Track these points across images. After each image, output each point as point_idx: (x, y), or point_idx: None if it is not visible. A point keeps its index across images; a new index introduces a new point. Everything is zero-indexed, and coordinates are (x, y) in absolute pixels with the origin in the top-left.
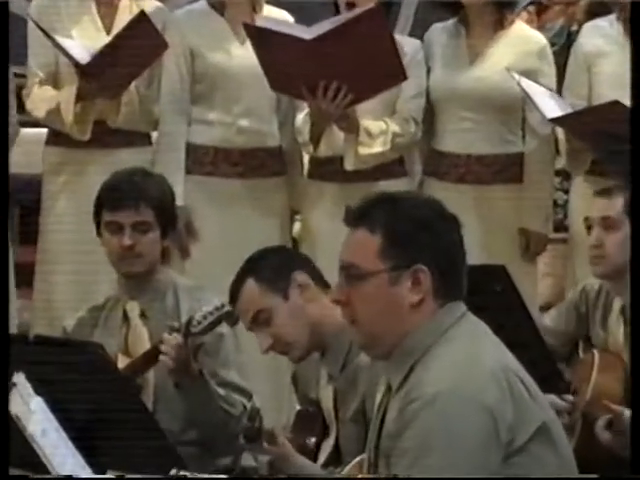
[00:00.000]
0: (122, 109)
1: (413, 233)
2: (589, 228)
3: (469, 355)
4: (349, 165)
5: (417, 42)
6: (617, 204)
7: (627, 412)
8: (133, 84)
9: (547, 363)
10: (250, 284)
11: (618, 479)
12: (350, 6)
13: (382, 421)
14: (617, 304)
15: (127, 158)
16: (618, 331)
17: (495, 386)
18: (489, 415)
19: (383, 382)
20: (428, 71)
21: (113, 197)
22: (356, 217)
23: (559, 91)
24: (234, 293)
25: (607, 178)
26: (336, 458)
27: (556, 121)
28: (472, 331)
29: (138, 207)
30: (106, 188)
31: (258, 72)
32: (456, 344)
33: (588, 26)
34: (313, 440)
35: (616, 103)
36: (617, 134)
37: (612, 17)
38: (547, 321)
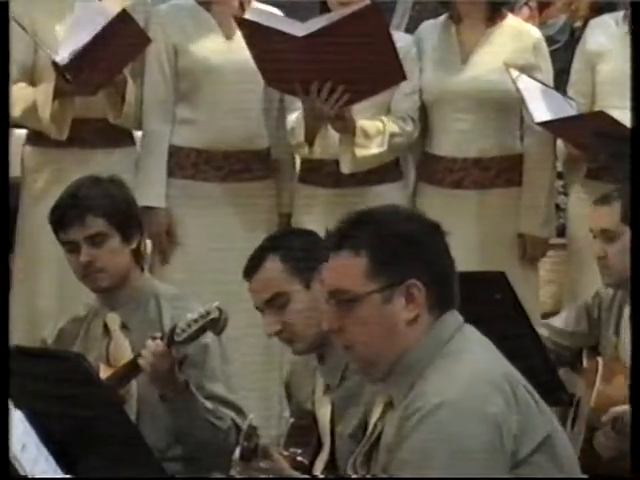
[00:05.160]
0: (125, 108)
1: (399, 249)
2: (595, 237)
3: (471, 366)
4: (346, 168)
5: (410, 38)
6: (615, 214)
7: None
8: (130, 80)
9: (548, 374)
10: (274, 261)
11: (618, 479)
12: (343, 5)
13: (378, 438)
14: (627, 310)
15: (110, 158)
16: (628, 338)
17: (499, 395)
18: (493, 425)
19: (382, 398)
20: (420, 70)
21: (58, 216)
22: (337, 240)
23: (564, 89)
24: (252, 268)
25: (604, 182)
26: (332, 473)
27: (543, 125)
28: (471, 342)
29: (84, 220)
30: (52, 208)
31: (245, 69)
32: (456, 356)
33: (594, 23)
34: (306, 455)
35: (601, 113)
36: (607, 141)
37: (619, 15)
38: (557, 323)
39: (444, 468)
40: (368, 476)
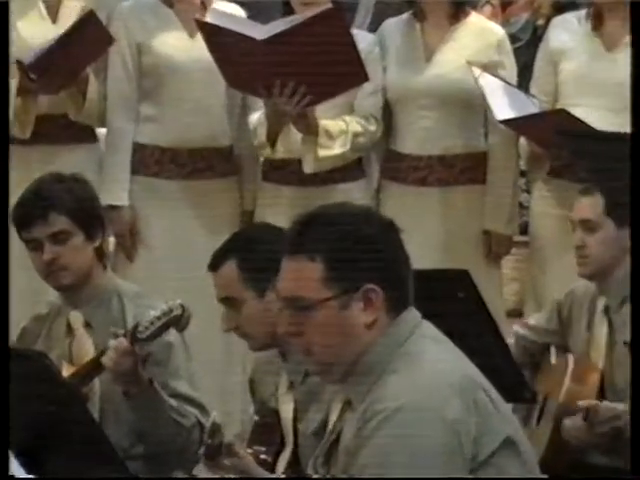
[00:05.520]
0: (86, 105)
1: (356, 253)
2: (574, 229)
3: (429, 368)
4: (308, 168)
5: (372, 37)
6: (597, 205)
7: (605, 402)
8: (93, 78)
9: (512, 371)
10: (231, 267)
11: (618, 479)
12: (306, 5)
13: (338, 438)
14: (600, 304)
15: (73, 155)
16: (601, 331)
17: (458, 399)
18: (452, 429)
19: (340, 399)
20: (383, 69)
21: (21, 214)
22: (292, 244)
23: (526, 87)
24: (214, 265)
25: (567, 180)
26: (294, 471)
27: (506, 123)
28: (430, 341)
29: (47, 218)
30: (15, 206)
31: (208, 67)
32: (414, 357)
33: (556, 21)
34: (269, 452)
35: (562, 111)
36: (569, 138)
37: (581, 13)
38: (531, 320)
39: (404, 472)
40: (328, 476)
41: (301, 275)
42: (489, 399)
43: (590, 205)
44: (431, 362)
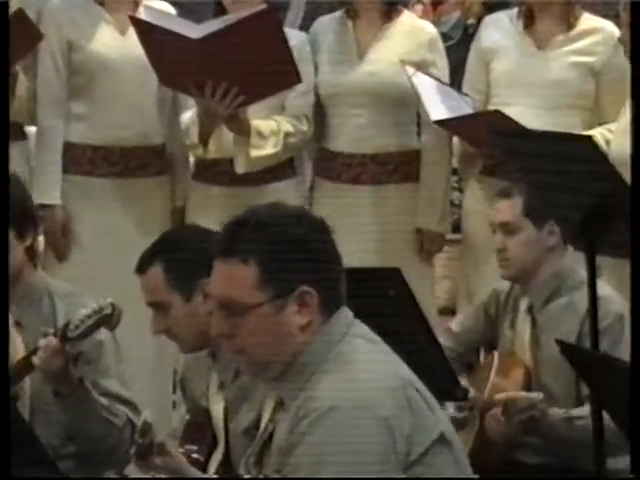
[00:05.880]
0: (15, 102)
1: (290, 255)
2: (494, 231)
3: (362, 367)
4: (240, 168)
5: (304, 35)
6: (516, 207)
7: (522, 393)
8: (23, 76)
9: (444, 369)
10: (157, 271)
11: (618, 479)
12: (237, 4)
13: (270, 437)
14: (523, 304)
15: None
16: (524, 331)
17: (391, 398)
18: (386, 428)
19: (272, 398)
20: (315, 67)
21: None
22: (224, 247)
23: (459, 85)
24: (140, 269)
25: (499, 179)
26: (226, 471)
27: (440, 124)
28: (363, 341)
29: None
30: None
31: (140, 64)
32: (347, 357)
33: (488, 20)
34: (201, 452)
35: (495, 112)
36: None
37: (513, 12)
38: (453, 326)
39: (338, 471)
40: (260, 476)
41: (234, 278)
42: (421, 398)
43: (509, 207)
44: (364, 362)
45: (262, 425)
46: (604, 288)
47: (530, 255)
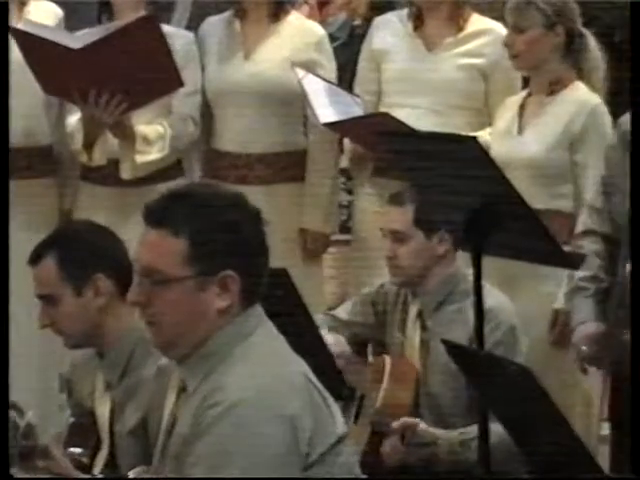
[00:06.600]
0: None
1: (221, 237)
2: (384, 236)
3: (271, 364)
4: (126, 175)
5: (190, 36)
6: (406, 216)
7: (422, 425)
8: None
9: (330, 370)
10: (49, 263)
11: (618, 479)
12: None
13: (173, 424)
14: (414, 309)
15: None
16: (414, 336)
17: (297, 396)
18: (289, 425)
19: (175, 384)
20: (203, 67)
21: None
22: (157, 216)
23: (346, 86)
24: (32, 260)
25: (391, 179)
26: (112, 472)
27: (329, 126)
28: (272, 339)
29: None
30: None
31: (27, 67)
32: (257, 351)
33: (379, 21)
34: (85, 454)
35: (384, 114)
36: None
37: (403, 13)
38: (342, 315)
39: (240, 465)
40: (146, 476)
41: (162, 248)
42: (322, 399)
43: (399, 216)
44: (273, 358)
45: (165, 418)
46: (496, 298)
47: (419, 263)
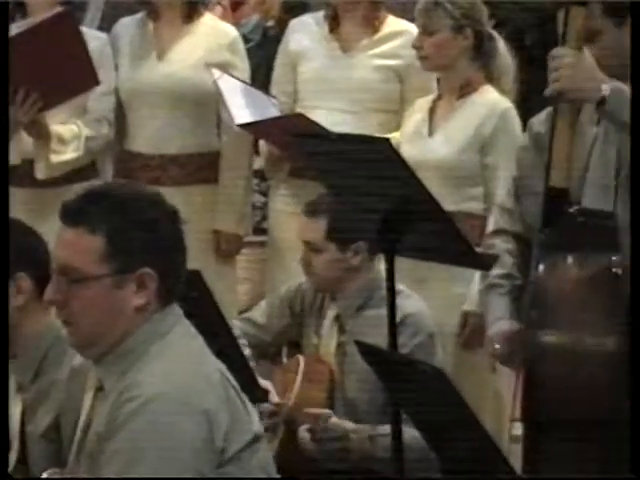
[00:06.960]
0: None
1: (139, 235)
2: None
3: (187, 360)
4: (40, 174)
5: (104, 36)
6: (320, 228)
7: (333, 419)
8: None
9: (243, 370)
10: None
11: (618, 479)
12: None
13: (89, 424)
14: (332, 312)
15: None
16: (330, 339)
17: (213, 392)
18: (206, 421)
19: (92, 384)
20: (116, 68)
21: None
22: (73, 214)
23: (260, 87)
24: None
25: (307, 180)
26: (21, 474)
27: (245, 127)
28: (189, 337)
29: None
30: None
31: None
32: (174, 349)
33: (295, 23)
34: None
35: (299, 115)
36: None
37: (319, 15)
38: (258, 318)
39: (155, 459)
40: (57, 476)
41: (79, 246)
42: (238, 397)
43: (313, 228)
44: (189, 356)
45: (82, 418)
46: (416, 303)
47: (333, 274)
